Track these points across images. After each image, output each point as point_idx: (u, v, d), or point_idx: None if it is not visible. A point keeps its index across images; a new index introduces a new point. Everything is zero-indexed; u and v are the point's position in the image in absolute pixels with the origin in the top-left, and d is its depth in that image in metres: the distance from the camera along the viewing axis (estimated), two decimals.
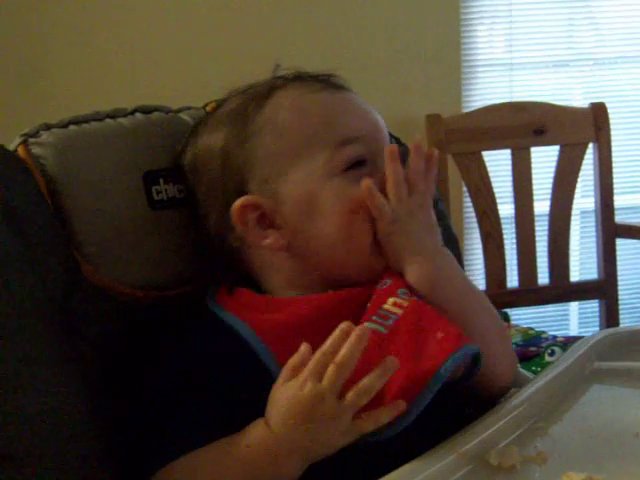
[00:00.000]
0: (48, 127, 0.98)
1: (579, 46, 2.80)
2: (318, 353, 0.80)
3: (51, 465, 0.83)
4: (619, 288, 2.43)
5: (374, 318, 0.87)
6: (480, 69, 2.70)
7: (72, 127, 0.99)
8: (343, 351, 0.78)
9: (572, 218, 2.41)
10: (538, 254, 2.38)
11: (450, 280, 0.94)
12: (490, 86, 2.72)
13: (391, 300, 0.89)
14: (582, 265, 2.77)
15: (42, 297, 0.89)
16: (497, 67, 2.74)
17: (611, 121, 2.39)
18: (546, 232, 2.39)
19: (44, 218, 0.93)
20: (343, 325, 0.80)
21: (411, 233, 0.92)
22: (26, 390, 0.84)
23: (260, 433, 0.82)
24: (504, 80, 2.74)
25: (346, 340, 0.79)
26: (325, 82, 0.99)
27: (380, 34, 2.53)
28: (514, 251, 2.38)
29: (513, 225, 2.38)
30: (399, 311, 0.88)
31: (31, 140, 0.97)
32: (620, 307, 2.44)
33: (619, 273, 2.44)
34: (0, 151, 0.94)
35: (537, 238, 2.38)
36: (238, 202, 0.94)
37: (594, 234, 2.46)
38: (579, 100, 2.76)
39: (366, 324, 0.85)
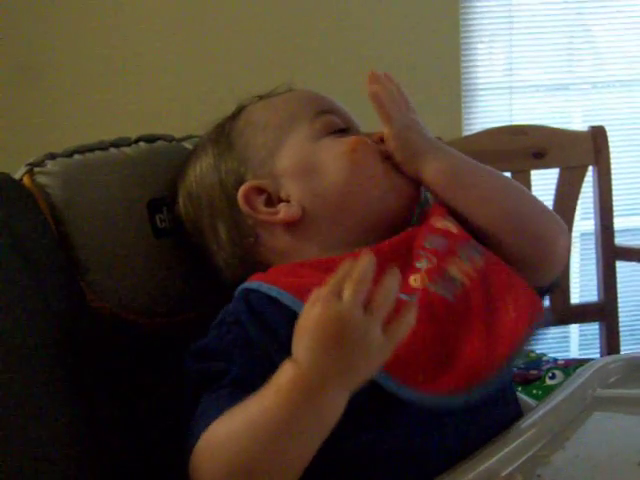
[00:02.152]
0: (53, 156, 0.99)
1: (579, 70, 2.81)
2: (334, 274, 0.74)
3: None
4: (619, 310, 2.43)
5: (439, 281, 0.87)
6: (480, 92, 2.71)
7: (76, 156, 1.00)
8: (358, 268, 0.73)
9: (572, 240, 2.41)
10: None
11: (472, 165, 0.97)
12: (490, 109, 2.73)
13: (455, 265, 0.88)
14: (582, 287, 2.77)
15: (47, 323, 0.89)
16: (497, 90, 2.75)
17: (610, 144, 2.39)
18: None
19: (49, 246, 0.94)
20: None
21: (422, 132, 0.97)
22: (28, 415, 0.82)
23: (289, 373, 0.73)
24: (504, 103, 2.75)
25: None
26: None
27: (380, 56, 2.53)
28: None
29: None
30: (466, 280, 0.87)
31: (36, 169, 0.98)
32: (621, 329, 2.43)
33: (619, 295, 2.44)
34: (6, 179, 0.96)
35: None
36: (240, 192, 0.96)
37: (594, 256, 2.46)
38: (578, 123, 2.77)
39: (428, 284, 0.85)
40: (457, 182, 0.95)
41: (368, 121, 1.02)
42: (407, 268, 0.89)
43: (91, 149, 1.02)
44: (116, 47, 2.45)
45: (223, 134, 1.01)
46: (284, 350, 0.76)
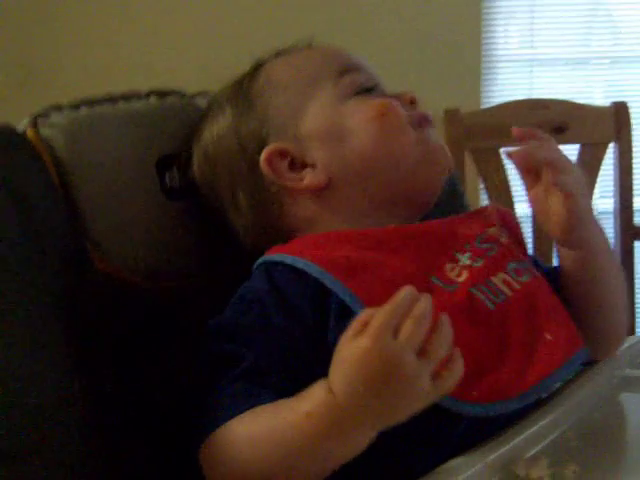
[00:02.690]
0: (59, 108, 0.94)
1: (601, 44, 2.75)
2: (391, 305, 0.67)
3: (50, 462, 0.78)
4: (636, 291, 2.38)
5: (480, 284, 0.81)
6: (500, 64, 2.65)
7: (84, 109, 0.95)
8: (421, 306, 0.67)
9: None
10: (555, 254, 2.33)
11: (608, 253, 0.90)
12: (510, 82, 2.67)
13: (501, 276, 0.83)
14: None
15: (48, 283, 0.85)
16: (518, 63, 2.69)
17: (632, 121, 2.34)
18: None
19: (52, 202, 0.89)
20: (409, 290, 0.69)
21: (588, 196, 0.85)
22: (27, 380, 0.78)
23: (323, 400, 0.68)
24: (524, 77, 2.70)
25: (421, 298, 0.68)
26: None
27: (399, 26, 2.49)
28: (530, 251, 2.32)
29: (530, 224, 2.33)
30: (508, 291, 0.82)
31: (41, 121, 0.93)
32: (637, 310, 2.39)
33: (636, 276, 2.39)
34: (8, 132, 0.90)
35: None
36: (263, 155, 0.90)
37: (612, 235, 2.41)
38: (599, 99, 2.72)
39: (471, 289, 0.80)
40: (590, 271, 0.88)
41: None
42: (443, 253, 0.84)
43: (99, 102, 0.96)
44: (124, 36, 2.41)
45: (241, 93, 0.94)
46: (309, 335, 0.73)
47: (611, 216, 2.42)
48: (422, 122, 0.92)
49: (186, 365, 0.83)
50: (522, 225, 0.99)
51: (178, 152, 0.97)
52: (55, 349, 0.82)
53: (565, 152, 0.86)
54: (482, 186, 2.32)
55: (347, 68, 0.93)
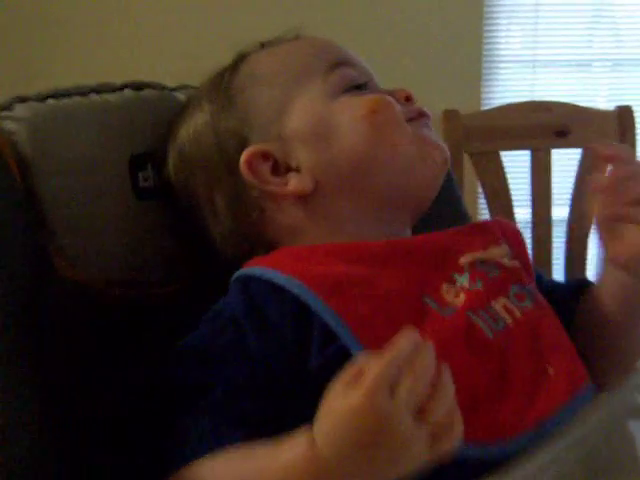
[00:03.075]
0: (23, 99, 0.87)
1: (603, 46, 2.69)
2: (390, 355, 0.59)
3: None
4: None
5: (479, 310, 0.74)
6: (502, 65, 2.58)
7: (51, 101, 0.87)
8: (424, 356, 0.59)
9: (591, 225, 2.29)
10: (554, 261, 2.27)
11: None
12: (511, 84, 2.61)
13: (501, 301, 0.77)
14: None
15: (5, 292, 0.77)
16: (519, 64, 2.62)
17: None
18: (563, 239, 2.28)
19: (12, 202, 0.82)
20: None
21: None
22: None
23: (305, 453, 0.61)
24: (526, 78, 2.63)
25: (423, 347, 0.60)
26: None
27: (398, 24, 2.42)
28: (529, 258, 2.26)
29: (529, 230, 2.27)
30: (509, 319, 0.76)
31: (3, 114, 0.86)
32: None
33: None
34: None
35: (554, 244, 2.27)
36: (243, 157, 0.82)
37: None
38: (602, 102, 2.66)
39: (469, 313, 0.73)
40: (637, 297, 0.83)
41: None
42: (439, 272, 0.77)
43: (68, 94, 0.88)
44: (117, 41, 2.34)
45: (221, 87, 0.86)
46: (288, 361, 0.67)
47: None
48: (419, 117, 0.85)
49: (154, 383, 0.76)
50: (525, 240, 0.91)
51: (153, 150, 0.90)
52: (10, 369, 0.75)
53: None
54: (481, 190, 2.26)
55: (338, 62, 0.85)
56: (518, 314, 0.76)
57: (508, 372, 0.72)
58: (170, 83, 0.98)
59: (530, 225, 2.27)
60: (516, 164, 2.31)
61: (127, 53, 2.32)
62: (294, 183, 0.82)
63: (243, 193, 0.83)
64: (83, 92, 0.89)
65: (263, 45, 0.90)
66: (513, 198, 2.23)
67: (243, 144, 0.83)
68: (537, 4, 2.58)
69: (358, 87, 0.85)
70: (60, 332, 0.81)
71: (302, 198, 0.82)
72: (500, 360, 0.72)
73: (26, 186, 0.83)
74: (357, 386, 0.58)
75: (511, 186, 2.22)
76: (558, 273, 2.27)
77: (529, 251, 2.09)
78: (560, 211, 2.28)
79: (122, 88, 0.92)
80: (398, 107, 0.83)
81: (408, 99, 0.85)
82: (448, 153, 0.86)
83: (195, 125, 0.86)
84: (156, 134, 0.90)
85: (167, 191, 0.89)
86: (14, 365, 0.74)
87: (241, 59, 0.88)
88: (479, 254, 0.80)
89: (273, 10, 2.35)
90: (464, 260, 0.79)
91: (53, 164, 0.84)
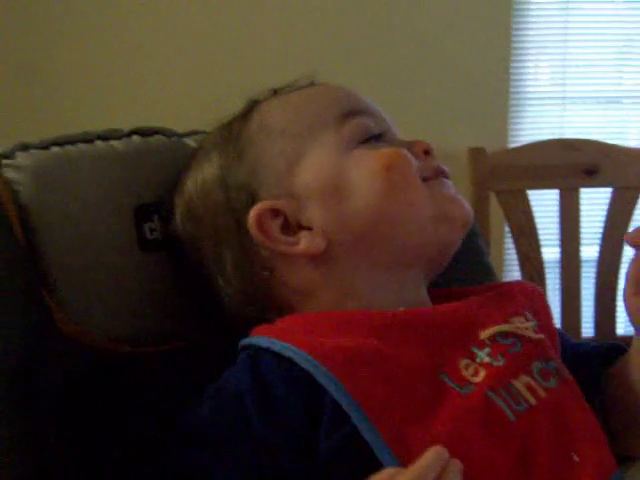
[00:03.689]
0: (25, 147, 0.84)
1: (633, 82, 2.63)
2: (417, 471, 0.59)
3: None
4: None
5: (499, 389, 0.70)
6: (529, 102, 2.54)
7: (54, 149, 0.84)
8: (451, 474, 0.59)
9: (622, 265, 2.24)
10: (583, 303, 2.21)
11: None
12: (539, 121, 2.55)
13: (524, 379, 0.72)
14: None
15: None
16: (548, 101, 2.57)
17: None
18: (593, 279, 2.23)
19: (12, 254, 0.78)
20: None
21: None
22: None
23: None
24: (555, 115, 2.58)
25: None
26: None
27: (423, 58, 2.38)
28: (557, 298, 2.21)
29: (557, 270, 2.22)
30: (532, 399, 0.71)
31: (5, 162, 0.82)
32: None
33: None
34: None
35: (583, 285, 2.21)
36: (252, 214, 0.78)
37: None
38: (633, 139, 2.60)
39: (489, 392, 0.69)
40: None
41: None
42: (458, 346, 0.72)
43: (73, 141, 0.85)
44: (121, 52, 2.30)
45: (231, 139, 0.83)
46: (295, 445, 0.63)
47: None
48: (436, 174, 0.80)
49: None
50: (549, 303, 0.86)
51: (160, 200, 0.86)
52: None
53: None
54: (507, 229, 2.21)
55: (352, 111, 0.81)
56: (542, 394, 0.71)
57: (529, 458, 0.67)
58: (180, 128, 0.94)
59: (559, 265, 2.22)
60: (544, 202, 2.27)
61: (137, 99, 2.29)
62: (305, 243, 0.78)
63: (252, 252, 0.80)
64: (88, 139, 0.86)
65: (275, 92, 0.86)
66: (541, 237, 2.19)
67: (252, 199, 0.79)
68: (566, 40, 2.54)
69: (374, 138, 0.81)
70: (59, 396, 0.78)
71: (314, 258, 0.78)
72: (521, 445, 0.67)
73: (27, 237, 0.80)
74: None
75: (538, 225, 2.18)
76: (587, 313, 2.22)
77: (557, 294, 2.03)
78: (589, 251, 2.24)
79: (130, 134, 0.89)
80: (414, 163, 0.79)
81: (427, 152, 0.81)
82: (470, 209, 0.81)
83: (203, 178, 0.83)
84: (164, 183, 0.87)
85: (174, 244, 0.85)
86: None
87: (252, 107, 0.85)
88: (501, 327, 0.75)
89: (286, 49, 2.31)
90: (485, 334, 0.74)
91: (55, 214, 0.81)
